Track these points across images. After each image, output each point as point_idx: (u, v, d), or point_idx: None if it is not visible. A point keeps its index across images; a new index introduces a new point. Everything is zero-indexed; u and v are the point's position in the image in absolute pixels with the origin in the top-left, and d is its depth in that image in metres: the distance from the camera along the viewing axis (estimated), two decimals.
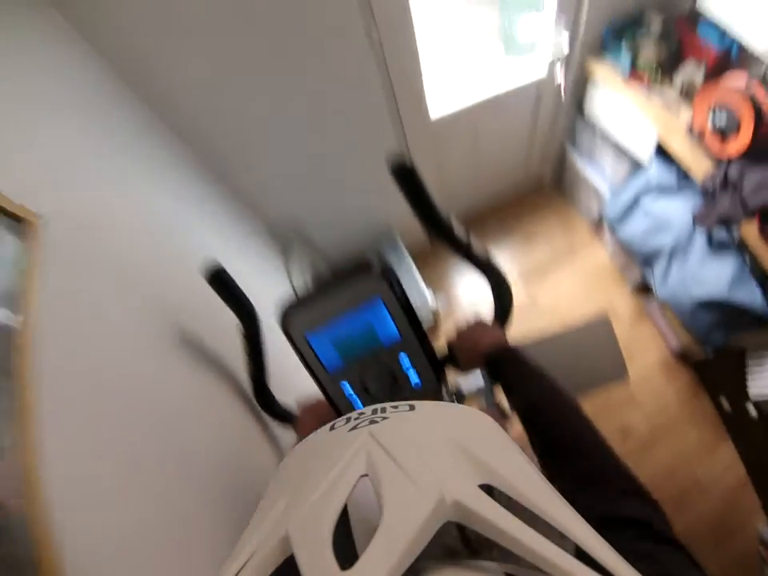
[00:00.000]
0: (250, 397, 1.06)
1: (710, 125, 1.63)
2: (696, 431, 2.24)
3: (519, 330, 2.53)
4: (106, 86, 1.29)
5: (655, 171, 2.03)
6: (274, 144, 1.84)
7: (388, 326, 0.83)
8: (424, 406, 0.45)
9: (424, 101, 2.03)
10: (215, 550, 0.70)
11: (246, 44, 1.47)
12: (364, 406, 0.89)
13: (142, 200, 1.17)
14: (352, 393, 0.90)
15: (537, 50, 2.15)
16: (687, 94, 1.80)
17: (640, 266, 2.27)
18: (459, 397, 2.33)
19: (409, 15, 1.65)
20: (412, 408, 0.44)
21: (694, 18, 1.82)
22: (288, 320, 0.80)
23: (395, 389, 0.89)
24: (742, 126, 1.52)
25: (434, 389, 0.93)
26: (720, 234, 1.80)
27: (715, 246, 1.84)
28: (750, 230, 1.62)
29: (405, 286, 0.83)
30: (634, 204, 2.15)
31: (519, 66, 2.21)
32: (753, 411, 1.97)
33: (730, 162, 1.64)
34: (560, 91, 2.26)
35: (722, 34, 1.70)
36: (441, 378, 0.93)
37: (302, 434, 0.97)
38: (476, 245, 0.89)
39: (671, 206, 1.99)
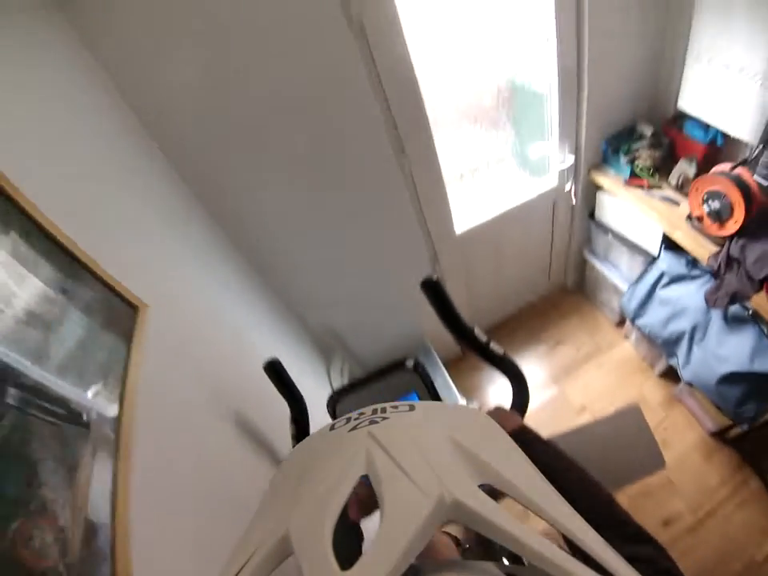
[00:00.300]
0: None
1: (705, 212, 1.86)
2: (744, 509, 2.17)
3: (553, 428, 2.57)
4: (192, 207, 1.58)
5: (665, 262, 2.24)
6: (321, 264, 2.11)
7: None
8: (424, 406, 0.45)
9: (450, 218, 2.32)
10: None
11: (304, 191, 1.81)
12: None
13: (215, 303, 1.38)
14: None
15: (548, 168, 2.49)
16: (683, 188, 2.06)
17: (664, 353, 2.38)
18: None
19: (433, 149, 1.99)
20: (412, 408, 0.44)
21: (680, 119, 2.14)
22: (335, 404, 0.97)
23: None
24: (734, 207, 1.74)
25: None
26: (734, 309, 1.94)
27: (731, 322, 1.97)
28: (761, 301, 1.75)
29: (439, 391, 1.02)
30: (650, 295, 2.33)
31: (530, 180, 2.54)
32: None
33: (730, 241, 1.83)
34: (571, 198, 2.56)
35: (706, 128, 2.00)
36: None
37: None
38: (494, 345, 1.00)
39: (685, 291, 2.16)
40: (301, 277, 2.12)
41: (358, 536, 0.68)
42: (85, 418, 0.57)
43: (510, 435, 0.78)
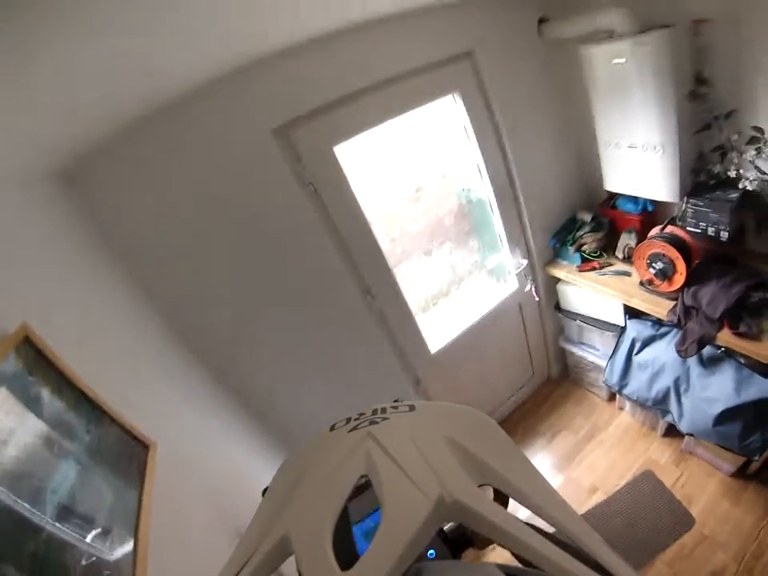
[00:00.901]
0: None
1: (653, 273, 2.14)
2: None
3: None
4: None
5: (633, 329, 2.47)
6: (309, 396, 2.20)
7: None
8: (424, 406, 0.46)
9: (423, 342, 2.51)
10: None
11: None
12: None
13: (210, 439, 1.51)
14: None
15: (507, 274, 2.79)
16: (630, 258, 2.35)
17: (658, 413, 2.50)
18: None
19: (396, 286, 2.26)
20: (412, 408, 0.44)
21: (612, 198, 2.48)
22: None
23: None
24: (675, 262, 2.03)
25: None
26: (708, 351, 2.12)
27: (708, 364, 2.14)
28: (727, 337, 1.91)
29: None
30: (628, 363, 2.53)
31: (495, 287, 2.82)
32: None
33: (682, 293, 2.08)
34: (533, 296, 2.84)
35: (635, 200, 2.34)
36: (456, 556, 0.93)
37: None
38: None
39: (658, 351, 2.36)
40: (291, 409, 2.19)
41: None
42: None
43: None
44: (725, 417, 2.05)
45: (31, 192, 1.16)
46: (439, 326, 2.60)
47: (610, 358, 2.64)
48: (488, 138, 2.24)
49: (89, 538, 0.58)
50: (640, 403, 2.54)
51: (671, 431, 2.65)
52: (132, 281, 1.52)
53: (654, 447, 2.73)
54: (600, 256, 2.47)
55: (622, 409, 3.01)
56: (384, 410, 0.44)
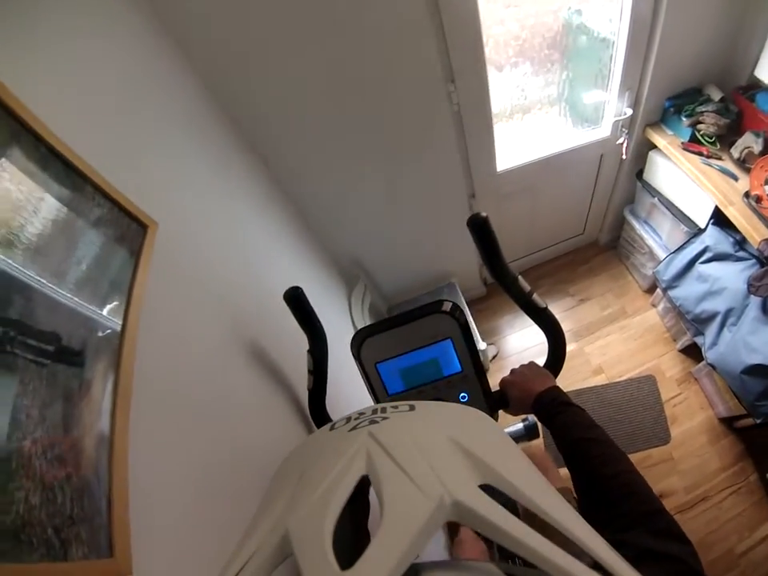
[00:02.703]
0: (305, 413, 1.16)
1: (767, 192, 1.73)
2: (737, 500, 2.21)
3: (567, 384, 2.60)
4: (211, 118, 1.48)
5: (711, 237, 2.12)
6: (352, 190, 2.04)
7: (452, 363, 0.92)
8: (424, 406, 0.46)
9: (494, 154, 2.21)
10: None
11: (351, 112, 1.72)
12: None
13: (234, 223, 1.33)
14: None
15: (601, 118, 2.33)
16: (745, 162, 1.91)
17: (690, 330, 2.32)
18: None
19: (485, 79, 1.86)
20: (412, 408, 0.45)
21: (753, 89, 1.96)
22: (361, 348, 0.91)
23: None
24: None
25: None
26: None
27: None
28: None
29: None
30: (688, 268, 2.24)
31: (579, 128, 2.39)
32: None
33: None
34: (621, 152, 2.40)
35: None
36: (493, 415, 0.99)
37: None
38: (536, 297, 0.97)
39: (726, 271, 2.06)
40: (331, 203, 2.07)
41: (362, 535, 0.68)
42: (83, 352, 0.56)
43: (542, 400, 0.84)
44: (756, 370, 1.89)
45: None
46: (511, 147, 2.31)
47: (673, 252, 2.35)
48: None
49: (105, 311, 0.60)
50: (680, 312, 2.34)
51: (690, 350, 2.57)
52: None
53: (667, 357, 2.63)
54: (713, 144, 1.99)
55: (654, 306, 2.80)
56: (384, 410, 0.45)
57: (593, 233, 3.10)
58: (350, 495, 0.32)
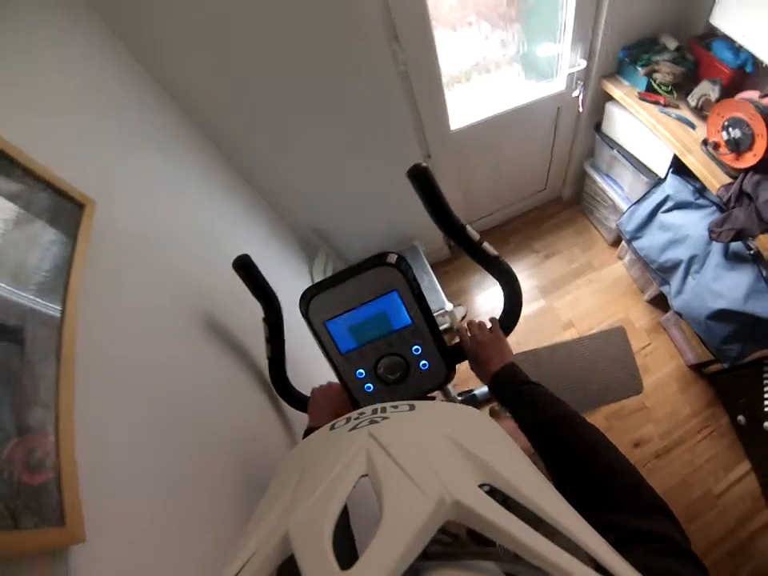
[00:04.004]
0: (267, 383, 1.16)
1: (724, 139, 1.75)
2: (710, 443, 2.31)
3: (539, 340, 2.66)
4: (145, 93, 1.41)
5: (672, 186, 2.15)
6: (304, 154, 1.97)
7: (402, 316, 0.92)
8: (424, 406, 0.47)
9: (445, 111, 2.16)
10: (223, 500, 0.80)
11: (287, 63, 1.61)
12: (375, 389, 1.00)
13: (183, 200, 1.29)
14: (365, 377, 0.99)
15: (556, 72, 2.31)
16: (702, 110, 1.93)
17: (656, 279, 2.37)
18: (474, 400, 2.43)
19: (431, 39, 1.80)
20: (412, 408, 0.45)
21: (708, 37, 1.96)
22: (309, 307, 0.90)
23: (406, 375, 0.98)
24: (755, 140, 1.64)
25: (442, 378, 1.02)
26: (736, 246, 1.90)
27: (731, 259, 1.93)
28: (766, 242, 1.71)
29: (426, 294, 0.94)
30: (650, 218, 2.27)
31: (534, 83, 2.36)
32: None
33: (745, 175, 1.75)
34: (578, 105, 2.40)
35: (736, 51, 1.83)
36: (450, 369, 1.02)
37: (312, 415, 1.05)
38: (486, 245, 0.97)
39: (688, 219, 2.10)
40: (283, 167, 2.01)
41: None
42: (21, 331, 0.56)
43: (499, 377, 0.85)
44: (721, 315, 1.95)
45: None
46: (465, 105, 2.28)
47: (635, 203, 2.38)
48: None
49: (41, 293, 0.60)
50: (644, 262, 2.38)
51: (657, 301, 2.64)
52: None
53: (635, 308, 2.69)
54: (670, 93, 2.00)
55: (620, 259, 2.86)
56: (384, 410, 0.45)
57: (556, 188, 3.12)
58: (349, 495, 0.32)
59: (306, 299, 0.90)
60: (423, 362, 0.98)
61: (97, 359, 0.65)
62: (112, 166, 0.99)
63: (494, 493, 0.31)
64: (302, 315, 0.91)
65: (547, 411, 0.70)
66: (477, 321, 1.05)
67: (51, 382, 0.56)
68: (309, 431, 1.02)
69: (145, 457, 0.67)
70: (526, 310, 2.70)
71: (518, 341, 2.67)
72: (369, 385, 0.99)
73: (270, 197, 2.10)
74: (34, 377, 0.54)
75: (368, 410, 0.47)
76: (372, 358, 0.96)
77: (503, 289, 1.03)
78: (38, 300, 0.59)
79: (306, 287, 0.91)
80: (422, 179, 0.88)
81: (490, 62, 2.15)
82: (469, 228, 0.94)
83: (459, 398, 2.00)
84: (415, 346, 0.96)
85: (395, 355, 0.96)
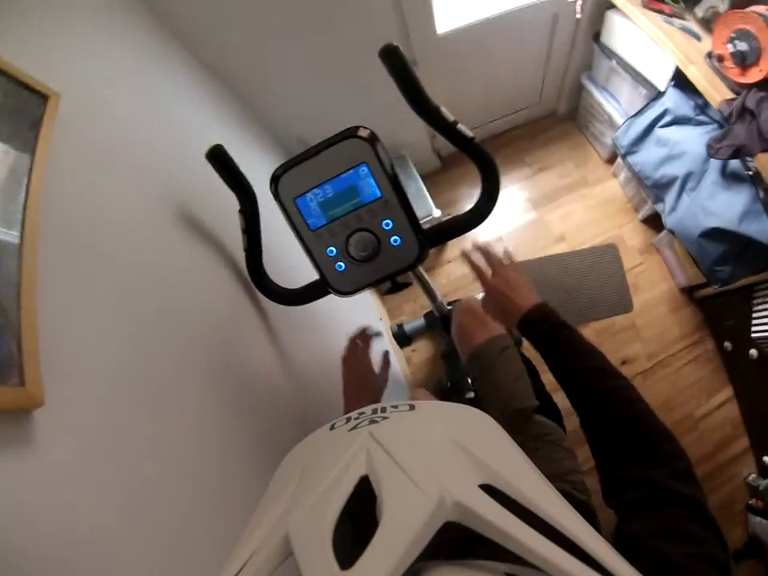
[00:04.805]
0: (243, 276, 1.18)
1: (729, 52, 1.70)
2: (695, 366, 2.42)
3: (530, 252, 2.69)
4: None
5: (671, 100, 2.10)
6: (284, 55, 1.89)
7: (371, 189, 0.93)
8: (424, 406, 0.46)
9: (431, 11, 2.03)
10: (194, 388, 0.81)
11: None
12: (346, 268, 1.01)
13: (156, 93, 1.26)
14: (336, 256, 1.00)
15: None
16: (709, 23, 1.85)
17: (651, 196, 2.37)
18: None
19: None
20: (412, 408, 0.45)
21: None
22: (278, 186, 0.91)
23: (377, 252, 0.99)
24: (762, 55, 1.59)
25: (415, 256, 1.01)
26: (734, 165, 1.89)
27: (728, 178, 1.93)
28: (765, 162, 1.70)
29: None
30: (647, 132, 2.23)
31: None
32: (754, 351, 2.11)
33: (748, 91, 1.70)
34: (576, 10, 2.28)
35: None
36: (422, 247, 1.01)
37: (348, 398, 1.07)
38: (462, 127, 0.96)
39: (686, 135, 2.07)
40: (265, 73, 1.94)
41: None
42: None
43: (534, 317, 0.85)
44: (714, 234, 1.99)
45: None
46: (450, 6, 2.15)
47: (632, 116, 2.33)
48: None
49: None
50: (639, 178, 2.38)
51: (651, 221, 2.66)
52: None
53: (628, 227, 2.71)
54: (676, 2, 1.91)
55: (615, 176, 2.83)
56: (384, 410, 0.45)
57: (550, 102, 3.01)
58: (350, 495, 0.32)
59: (276, 178, 0.91)
60: (395, 237, 0.98)
61: (62, 220, 0.66)
62: (73, 57, 0.95)
63: (494, 493, 0.31)
64: (273, 195, 0.92)
65: (589, 359, 0.71)
66: (493, 253, 1.03)
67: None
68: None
69: (110, 320, 0.67)
70: (516, 222, 2.77)
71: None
72: (340, 264, 1.01)
73: (257, 108, 2.06)
74: None
75: (368, 409, 0.47)
76: (342, 234, 0.97)
77: (480, 171, 1.02)
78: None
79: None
80: (393, 58, 0.88)
81: None
82: (443, 109, 0.93)
83: (448, 308, 2.04)
84: (386, 221, 0.96)
85: (365, 230, 0.97)
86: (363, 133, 0.88)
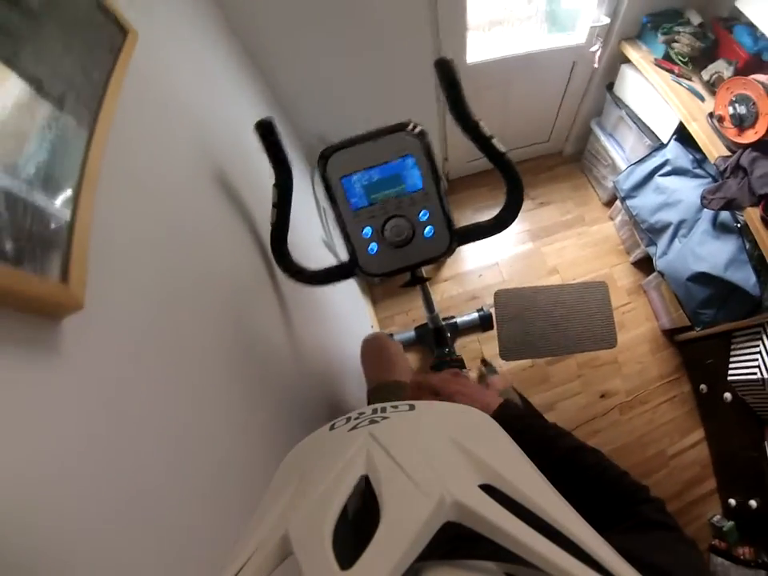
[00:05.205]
0: (265, 248, 1.23)
1: (729, 113, 1.87)
2: (671, 406, 2.55)
3: (524, 281, 2.83)
4: None
5: (673, 152, 2.28)
6: (316, 59, 2.02)
7: (415, 180, 1.02)
8: (424, 406, 0.46)
9: (464, 44, 2.20)
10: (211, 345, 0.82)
11: None
12: (378, 250, 1.07)
13: (203, 63, 1.32)
14: (371, 237, 1.07)
15: (576, 25, 2.37)
16: (714, 86, 2.03)
17: (644, 239, 2.53)
18: (455, 329, 2.56)
19: None
20: (412, 408, 0.45)
21: (732, 20, 2.05)
22: (327, 163, 0.99)
23: (410, 239, 1.07)
24: (759, 119, 1.76)
25: (444, 248, 1.08)
26: (724, 217, 2.05)
27: (718, 228, 2.09)
28: (753, 216, 1.84)
29: None
30: (648, 179, 2.41)
31: (553, 33, 2.43)
32: (728, 395, 2.24)
33: (743, 150, 1.88)
34: (594, 60, 2.47)
35: (756, 38, 1.93)
36: (452, 240, 1.08)
37: (368, 375, 1.13)
38: (497, 141, 1.06)
39: (683, 185, 2.24)
40: (303, 78, 2.06)
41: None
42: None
43: (497, 413, 0.81)
44: (701, 278, 2.12)
45: None
46: (483, 40, 2.34)
47: (634, 163, 2.51)
48: None
49: (58, 203, 0.53)
50: (636, 221, 2.53)
51: (641, 264, 2.82)
52: None
53: (619, 268, 2.87)
54: (686, 64, 2.09)
55: (611, 219, 3.01)
56: (384, 410, 0.45)
57: (558, 142, 3.20)
58: (350, 495, 0.32)
59: (325, 156, 0.99)
60: (429, 227, 1.05)
61: (128, 146, 0.69)
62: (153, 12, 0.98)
63: (494, 493, 0.31)
64: (319, 171, 0.99)
65: (562, 441, 0.73)
66: (425, 383, 0.94)
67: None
68: (372, 392, 1.12)
69: (152, 257, 0.69)
70: (514, 250, 2.92)
71: (504, 279, 2.85)
72: (373, 245, 1.06)
73: (285, 102, 2.15)
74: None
75: (368, 409, 0.46)
76: (381, 218, 1.03)
77: (507, 184, 1.12)
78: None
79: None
80: (446, 69, 0.98)
81: (513, 16, 2.22)
82: (482, 124, 1.03)
83: (443, 322, 2.17)
84: (423, 211, 1.04)
85: (403, 217, 1.03)
86: (414, 128, 0.99)
